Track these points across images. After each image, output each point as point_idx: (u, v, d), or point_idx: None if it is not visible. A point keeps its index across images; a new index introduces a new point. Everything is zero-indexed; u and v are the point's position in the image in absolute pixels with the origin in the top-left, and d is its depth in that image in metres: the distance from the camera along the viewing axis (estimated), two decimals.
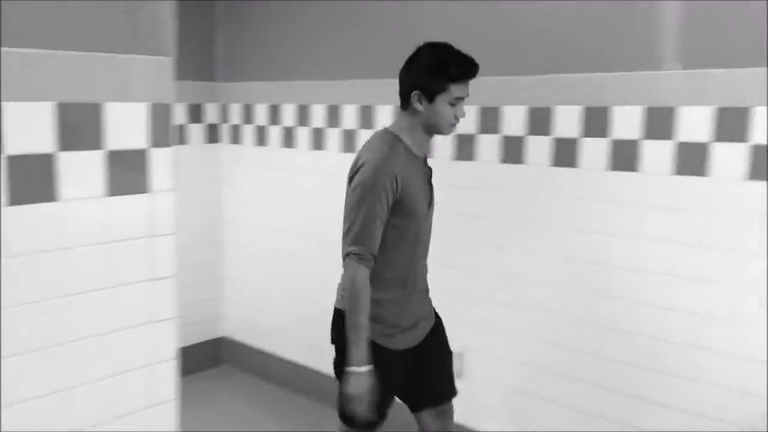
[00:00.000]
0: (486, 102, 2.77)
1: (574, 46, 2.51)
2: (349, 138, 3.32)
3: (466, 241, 2.90)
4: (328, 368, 3.76)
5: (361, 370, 2.01)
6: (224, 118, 3.96)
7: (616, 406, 2.51)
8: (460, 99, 2.04)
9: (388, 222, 2.01)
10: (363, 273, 1.99)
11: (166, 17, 1.59)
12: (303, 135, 3.53)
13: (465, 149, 2.86)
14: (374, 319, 2.06)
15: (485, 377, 2.92)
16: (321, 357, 3.58)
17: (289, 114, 3.59)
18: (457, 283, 2.95)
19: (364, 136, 3.24)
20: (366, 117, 3.23)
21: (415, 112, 2.05)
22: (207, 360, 4.05)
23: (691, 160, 2.27)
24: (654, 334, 2.41)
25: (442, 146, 2.92)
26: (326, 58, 3.38)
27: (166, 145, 1.60)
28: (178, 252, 1.68)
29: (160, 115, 1.58)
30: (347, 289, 2.01)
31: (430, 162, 2.26)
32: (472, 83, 2.08)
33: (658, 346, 2.39)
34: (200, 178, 3.93)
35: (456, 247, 2.93)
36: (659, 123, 2.33)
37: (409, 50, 3.01)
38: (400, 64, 2.97)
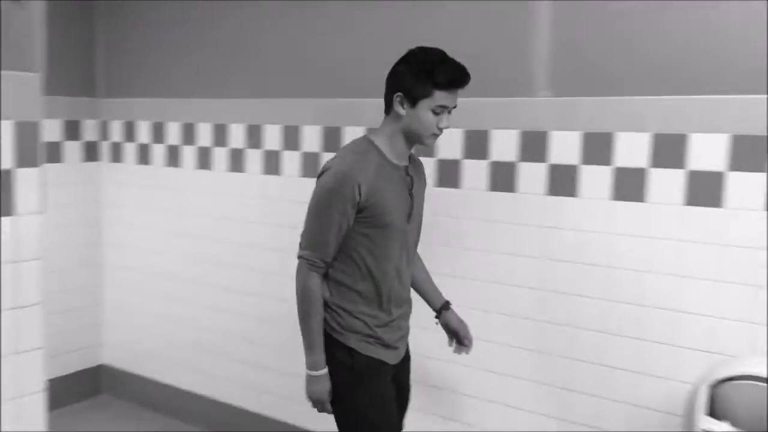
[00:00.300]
0: (369, 123, 2.82)
1: None
2: (236, 157, 3.27)
3: None
4: (215, 393, 3.65)
5: (317, 373, 2.01)
6: (104, 135, 3.80)
7: None
8: (445, 108, 1.94)
9: (357, 231, 1.96)
10: (314, 279, 1.98)
11: (33, 29, 1.51)
12: (189, 154, 3.45)
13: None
14: (347, 328, 2.02)
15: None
16: (207, 382, 3.49)
17: (174, 132, 3.50)
18: None
19: (251, 156, 3.21)
20: (254, 136, 3.20)
21: (397, 116, 1.96)
22: (85, 390, 3.84)
23: (563, 182, 2.41)
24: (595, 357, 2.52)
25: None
26: (213, 76, 3.33)
27: (34, 164, 1.51)
28: (49, 277, 1.59)
29: (26, 134, 1.49)
30: (298, 293, 2.00)
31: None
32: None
33: (600, 370, 2.49)
34: (78, 198, 3.73)
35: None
36: (534, 146, 2.46)
37: (295, 70, 3.05)
38: (288, 83, 2.95)
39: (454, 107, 1.98)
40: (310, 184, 3.02)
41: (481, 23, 2.54)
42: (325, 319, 2.03)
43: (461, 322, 2.25)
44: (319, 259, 1.96)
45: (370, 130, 2.07)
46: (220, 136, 3.32)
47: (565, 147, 2.40)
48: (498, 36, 2.51)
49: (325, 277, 2.02)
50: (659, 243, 2.24)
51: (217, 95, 3.32)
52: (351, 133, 2.88)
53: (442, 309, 2.25)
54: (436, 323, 2.27)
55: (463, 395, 2.69)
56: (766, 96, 2.04)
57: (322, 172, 1.98)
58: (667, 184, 2.22)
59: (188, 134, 3.44)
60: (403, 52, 2.70)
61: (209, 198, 3.39)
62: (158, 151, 3.56)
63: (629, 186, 2.28)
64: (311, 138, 3.01)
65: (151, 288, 3.67)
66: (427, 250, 2.68)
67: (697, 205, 2.17)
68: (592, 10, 2.31)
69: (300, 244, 2.01)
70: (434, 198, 2.68)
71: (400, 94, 1.93)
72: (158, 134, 3.56)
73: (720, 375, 1.96)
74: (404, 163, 2.05)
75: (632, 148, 2.27)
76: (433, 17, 2.64)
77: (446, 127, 1.97)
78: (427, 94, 1.91)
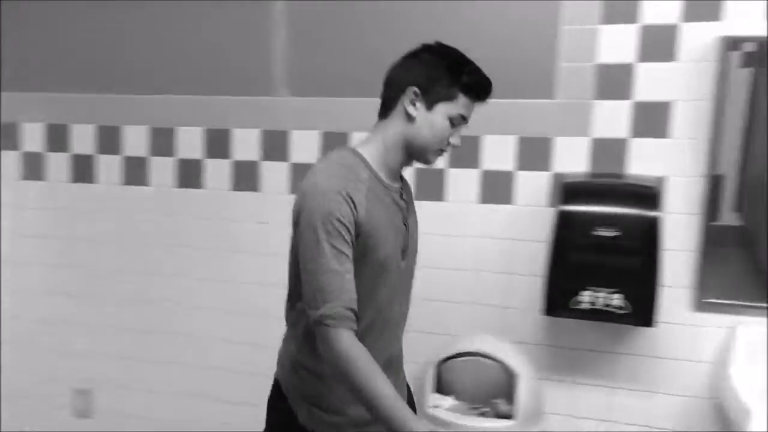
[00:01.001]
0: (106, 121, 2.65)
1: (192, 69, 2.54)
2: None
3: (83, 266, 2.74)
4: None
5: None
6: None
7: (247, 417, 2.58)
8: (464, 120, 1.54)
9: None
10: (348, 338, 1.38)
11: None
12: None
13: (33, 170, 2.69)
14: (311, 398, 1.53)
15: (118, 411, 2.76)
16: None
17: None
18: (78, 312, 2.75)
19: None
20: (9, 135, 2.82)
21: (404, 119, 1.52)
22: None
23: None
24: None
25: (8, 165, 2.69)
26: None
27: None
28: None
29: None
30: (338, 367, 1.39)
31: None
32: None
33: None
34: None
35: (71, 273, 2.74)
36: (275, 145, 2.48)
37: (54, 62, 2.73)
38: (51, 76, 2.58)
39: (467, 122, 1.58)
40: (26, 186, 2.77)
41: (222, 20, 2.50)
42: (290, 378, 1.56)
43: None
44: (345, 308, 1.39)
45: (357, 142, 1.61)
46: None
47: (305, 146, 2.45)
48: (238, 34, 2.49)
49: (304, 330, 1.49)
50: None
51: None
52: (29, 130, 2.70)
53: None
54: None
55: (201, 398, 2.63)
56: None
57: (302, 202, 1.45)
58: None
59: None
60: (120, 47, 2.58)
61: None
62: None
63: None
64: None
65: None
66: (167, 252, 2.61)
67: (422, 199, 2.35)
68: (328, 11, 2.38)
69: (309, 304, 1.41)
70: (174, 199, 2.60)
71: (415, 89, 1.50)
72: None
73: (444, 354, 2.15)
74: (396, 183, 1.59)
75: None
76: (168, 13, 2.54)
77: (457, 145, 1.57)
78: (449, 97, 1.51)
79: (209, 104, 2.53)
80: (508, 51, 2.20)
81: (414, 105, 1.51)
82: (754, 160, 2.05)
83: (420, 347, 2.36)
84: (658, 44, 2.06)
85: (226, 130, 2.53)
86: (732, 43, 1.99)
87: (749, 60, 2.01)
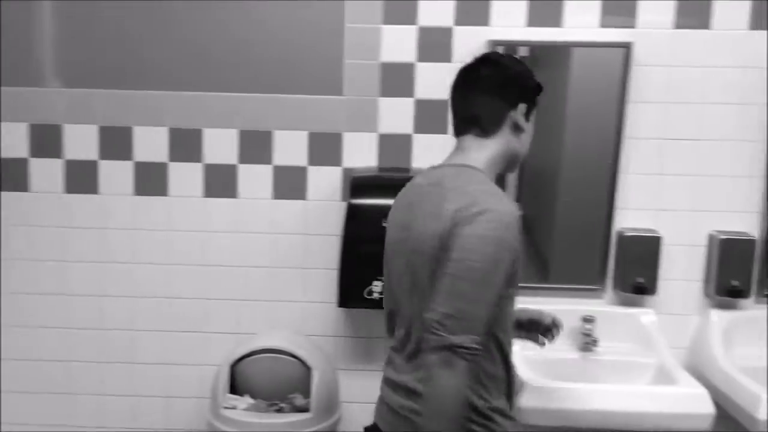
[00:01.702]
0: None
1: None
2: None
3: None
4: None
5: None
6: None
7: None
8: None
9: (502, 295, 1.38)
10: (467, 378, 1.31)
11: None
12: None
13: None
14: None
15: None
16: None
17: None
18: None
19: None
20: None
21: (519, 132, 1.51)
22: None
23: (81, 178, 2.28)
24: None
25: None
26: None
27: None
28: None
29: None
30: (449, 402, 1.28)
31: None
32: None
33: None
34: None
35: None
36: (45, 141, 2.27)
37: None
38: None
39: None
40: None
41: None
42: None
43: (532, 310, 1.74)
44: (479, 344, 1.31)
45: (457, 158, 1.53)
46: None
47: (80, 141, 2.27)
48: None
49: None
50: (183, 235, 2.30)
51: None
52: None
53: None
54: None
55: None
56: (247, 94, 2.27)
57: (476, 216, 1.34)
58: (186, 178, 2.28)
59: None
60: None
61: None
62: None
63: (153, 180, 2.28)
64: None
65: None
66: None
67: (214, 196, 2.29)
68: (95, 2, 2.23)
69: (444, 325, 1.30)
70: None
71: (524, 105, 1.51)
72: None
73: (238, 353, 2.11)
74: None
75: (152, 143, 2.27)
76: None
77: None
78: (535, 105, 1.56)
79: None
80: (298, 48, 2.21)
81: (520, 120, 1.52)
82: (532, 155, 2.25)
83: (216, 349, 2.30)
84: (435, 45, 2.19)
85: None
86: (511, 48, 2.15)
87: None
